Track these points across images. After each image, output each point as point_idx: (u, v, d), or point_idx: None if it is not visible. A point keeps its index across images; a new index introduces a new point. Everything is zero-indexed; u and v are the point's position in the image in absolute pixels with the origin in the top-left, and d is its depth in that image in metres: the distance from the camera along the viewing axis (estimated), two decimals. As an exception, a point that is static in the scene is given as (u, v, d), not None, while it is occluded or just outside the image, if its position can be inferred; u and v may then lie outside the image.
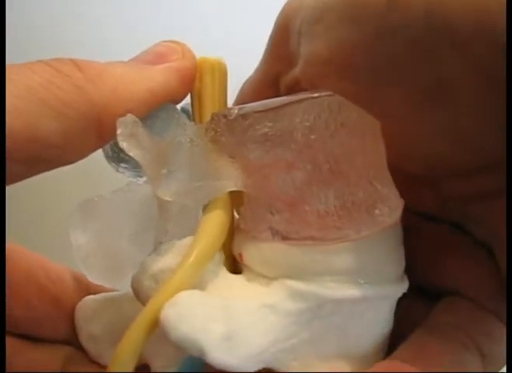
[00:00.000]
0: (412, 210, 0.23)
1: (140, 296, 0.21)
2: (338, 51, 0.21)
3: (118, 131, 0.19)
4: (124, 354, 0.18)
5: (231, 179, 0.20)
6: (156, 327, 0.19)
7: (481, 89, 0.18)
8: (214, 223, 0.21)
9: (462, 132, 0.19)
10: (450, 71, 0.18)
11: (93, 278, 0.24)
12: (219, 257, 0.21)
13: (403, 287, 0.21)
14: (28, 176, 0.19)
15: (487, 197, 0.21)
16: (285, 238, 0.20)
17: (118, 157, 0.21)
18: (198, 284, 0.20)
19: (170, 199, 0.20)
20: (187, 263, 0.19)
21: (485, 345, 0.20)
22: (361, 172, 0.20)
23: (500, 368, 0.21)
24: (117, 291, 0.25)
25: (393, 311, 0.22)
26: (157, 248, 0.22)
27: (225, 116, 0.21)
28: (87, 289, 0.26)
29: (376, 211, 0.20)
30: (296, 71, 0.23)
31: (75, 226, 0.24)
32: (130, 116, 0.19)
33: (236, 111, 0.21)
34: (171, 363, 0.21)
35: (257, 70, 0.26)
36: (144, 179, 0.21)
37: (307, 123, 0.20)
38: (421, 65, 0.19)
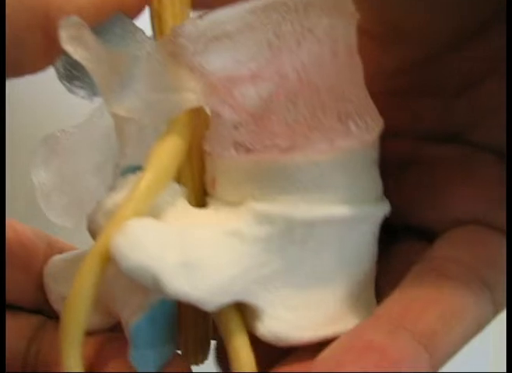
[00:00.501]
0: (407, 134, 0.21)
1: (97, 237, 0.19)
2: None
3: (61, 33, 0.16)
4: (79, 296, 0.17)
5: (192, 91, 0.19)
6: (108, 262, 0.17)
7: None
8: (167, 148, 0.18)
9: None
10: None
11: (55, 217, 0.22)
12: (178, 189, 0.19)
13: (383, 209, 0.19)
14: None
15: (480, 82, 0.19)
16: (248, 150, 0.18)
17: (71, 74, 0.19)
18: (154, 215, 0.18)
19: (124, 114, 0.18)
20: (137, 190, 0.18)
21: (492, 276, 0.18)
22: (333, 83, 0.19)
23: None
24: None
25: (376, 238, 0.20)
26: (114, 178, 0.20)
27: (183, 26, 0.19)
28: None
29: (351, 123, 0.19)
30: None
31: (36, 163, 0.22)
32: (75, 18, 0.17)
33: (196, 24, 0.19)
34: (138, 311, 0.19)
35: None
36: (99, 99, 0.20)
37: (270, 26, 0.18)
38: None
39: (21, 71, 0.18)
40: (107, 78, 0.17)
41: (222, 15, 0.19)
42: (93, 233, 0.19)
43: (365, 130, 0.19)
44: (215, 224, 0.18)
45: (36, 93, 0.34)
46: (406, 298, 0.18)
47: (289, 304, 0.18)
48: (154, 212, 0.18)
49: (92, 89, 0.19)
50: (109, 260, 0.17)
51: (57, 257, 0.23)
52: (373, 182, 0.19)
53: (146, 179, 0.18)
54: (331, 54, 0.19)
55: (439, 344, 0.17)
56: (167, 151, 0.19)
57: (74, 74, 0.19)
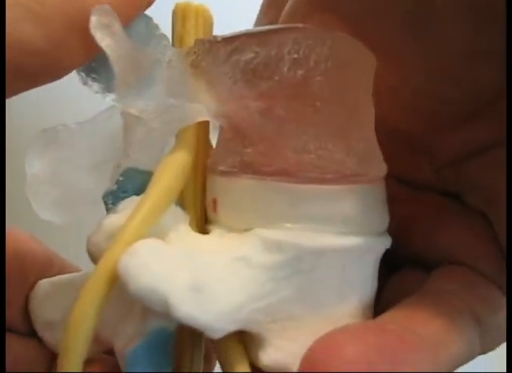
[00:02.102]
0: (403, 180, 0.21)
1: (98, 260, 0.17)
2: None
3: (92, 19, 0.16)
4: (79, 322, 0.15)
5: (206, 104, 0.18)
6: (112, 286, 0.16)
7: (469, 26, 0.17)
8: (173, 167, 0.18)
9: (450, 69, 0.18)
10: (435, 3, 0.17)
11: (41, 210, 0.21)
12: (181, 213, 0.18)
13: (386, 242, 0.19)
14: (13, 93, 0.17)
15: (480, 154, 0.19)
16: (256, 171, 0.17)
17: (89, 66, 0.18)
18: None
19: (136, 113, 0.18)
20: (142, 211, 0.17)
21: (482, 312, 0.18)
22: (346, 118, 0.18)
23: (500, 343, 0.19)
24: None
25: (377, 269, 0.19)
26: (114, 181, 0.20)
27: (209, 41, 0.19)
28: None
29: (359, 160, 0.18)
30: (283, 13, 0.21)
31: (31, 153, 0.22)
32: (107, 6, 0.16)
33: (221, 37, 0.19)
34: (134, 340, 0.18)
35: (256, 20, 0.24)
36: (112, 96, 0.19)
37: (296, 56, 0.18)
38: None
39: (59, 73, 0.17)
40: (128, 73, 0.17)
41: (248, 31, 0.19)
42: (94, 255, 0.18)
43: (372, 169, 0.19)
44: (223, 250, 0.17)
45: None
46: (401, 314, 0.17)
47: (294, 335, 0.17)
48: (157, 235, 0.17)
49: (107, 84, 0.19)
50: (114, 283, 0.16)
51: (44, 281, 0.22)
52: (379, 216, 0.19)
53: (151, 199, 0.17)
54: (350, 89, 0.19)
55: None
56: (173, 171, 0.18)
57: (92, 66, 0.18)
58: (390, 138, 0.20)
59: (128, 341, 0.18)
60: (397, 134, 0.20)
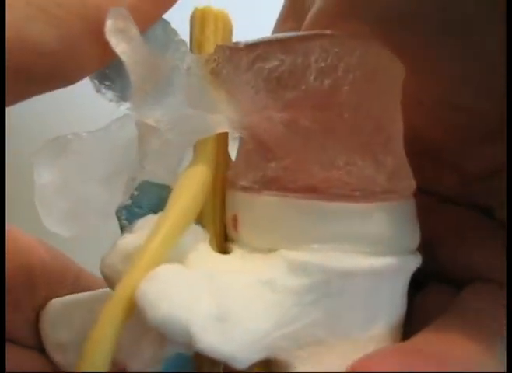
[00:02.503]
0: (431, 192, 0.20)
1: (114, 283, 0.16)
2: None
3: (107, 23, 0.15)
4: (97, 349, 0.14)
5: (227, 114, 0.16)
6: (131, 312, 0.14)
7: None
8: (192, 183, 0.17)
9: (486, 82, 0.17)
10: (472, 13, 0.16)
11: (50, 224, 0.20)
12: (201, 232, 0.17)
13: (417, 260, 0.18)
14: (23, 97, 0.16)
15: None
16: (280, 187, 0.16)
17: (103, 73, 0.17)
18: (175, 260, 0.16)
19: (152, 124, 0.17)
20: (161, 231, 0.15)
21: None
22: (374, 130, 0.17)
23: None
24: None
25: (406, 288, 0.18)
26: (128, 195, 0.18)
27: (230, 47, 0.18)
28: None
29: (388, 175, 0.17)
30: (307, 20, 0.20)
31: (41, 163, 0.20)
32: (124, 10, 0.15)
33: (243, 43, 0.18)
34: (151, 365, 0.17)
35: (273, 31, 0.23)
36: (127, 105, 0.18)
37: (323, 64, 0.17)
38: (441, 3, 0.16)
39: (72, 78, 0.16)
40: (144, 80, 0.16)
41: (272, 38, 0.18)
42: (109, 278, 0.17)
43: (402, 185, 0.18)
44: (246, 274, 0.16)
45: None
46: (436, 336, 0.17)
47: (322, 361, 0.16)
48: (176, 257, 0.16)
49: (121, 93, 0.18)
50: (132, 310, 0.14)
51: (55, 301, 0.21)
52: (410, 234, 0.18)
53: (171, 219, 0.16)
54: (378, 100, 0.17)
55: None
56: (193, 187, 0.17)
57: (106, 73, 0.17)
58: (415, 149, 0.19)
59: (144, 366, 0.16)
60: (423, 144, 0.19)
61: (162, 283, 0.14)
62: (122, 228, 0.18)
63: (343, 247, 0.16)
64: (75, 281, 0.22)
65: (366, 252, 0.16)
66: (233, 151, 0.19)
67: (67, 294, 0.21)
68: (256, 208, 0.17)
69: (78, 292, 0.21)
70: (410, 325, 0.18)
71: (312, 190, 0.16)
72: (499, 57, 0.16)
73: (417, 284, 0.20)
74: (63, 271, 0.22)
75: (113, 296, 0.14)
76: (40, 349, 0.21)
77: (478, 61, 0.16)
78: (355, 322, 0.17)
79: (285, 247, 0.16)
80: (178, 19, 0.18)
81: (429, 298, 0.20)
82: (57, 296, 0.21)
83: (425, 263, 0.18)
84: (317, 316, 0.16)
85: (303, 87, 0.16)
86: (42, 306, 0.21)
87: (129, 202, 0.18)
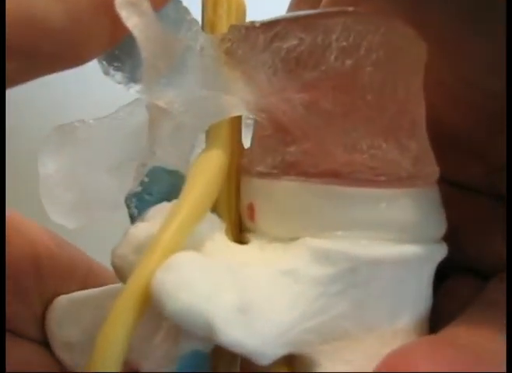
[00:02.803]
0: (455, 182, 0.19)
1: (125, 275, 0.15)
2: None
3: None
4: (108, 349, 0.13)
5: (242, 96, 0.16)
6: (145, 307, 0.13)
7: None
8: (207, 169, 0.16)
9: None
10: None
11: (54, 215, 0.19)
12: (217, 221, 0.16)
13: (444, 250, 0.17)
14: (28, 78, 0.15)
15: None
16: (300, 172, 0.15)
17: (112, 53, 0.16)
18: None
19: (164, 105, 0.16)
20: (176, 219, 0.14)
21: None
22: (399, 112, 0.16)
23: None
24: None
25: (432, 278, 0.17)
26: (138, 181, 0.17)
27: (246, 27, 0.17)
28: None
29: (412, 160, 0.16)
30: (322, 3, 0.19)
31: (45, 152, 0.20)
32: None
33: (259, 22, 0.17)
34: (165, 364, 0.16)
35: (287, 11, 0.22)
36: (136, 87, 0.17)
37: (345, 43, 0.16)
38: None
39: (80, 58, 0.15)
40: (157, 58, 0.15)
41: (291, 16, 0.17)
42: (120, 269, 0.16)
43: (427, 171, 0.17)
44: (268, 264, 0.15)
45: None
46: (467, 328, 0.16)
47: (348, 356, 0.15)
48: (192, 247, 0.15)
49: (131, 74, 0.17)
50: (148, 302, 0.13)
51: (62, 297, 0.20)
52: (436, 222, 0.17)
53: (187, 206, 0.15)
54: (402, 81, 0.17)
55: None
56: (209, 174, 0.16)
57: (116, 53, 0.16)
58: (438, 136, 0.18)
59: (157, 365, 0.15)
60: (446, 131, 0.18)
61: (180, 271, 0.13)
62: (132, 217, 0.17)
63: (368, 234, 0.15)
64: (86, 274, 0.21)
65: (391, 239, 0.15)
66: (246, 140, 0.18)
67: (78, 288, 0.20)
68: (275, 195, 0.16)
69: (90, 286, 0.20)
70: (436, 318, 0.17)
71: (334, 175, 0.15)
72: None
73: (442, 275, 0.19)
74: (72, 262, 0.21)
75: (124, 289, 0.13)
76: (47, 344, 0.20)
77: (504, 43, 0.16)
78: (382, 313, 0.16)
79: (308, 235, 0.15)
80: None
81: (454, 290, 0.19)
82: (68, 290, 0.20)
83: (449, 253, 0.18)
84: (343, 307, 0.15)
85: (324, 67, 0.16)
86: (51, 301, 0.20)
87: (139, 189, 0.17)
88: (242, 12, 0.18)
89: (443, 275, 0.19)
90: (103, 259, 0.20)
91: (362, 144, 0.15)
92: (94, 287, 0.20)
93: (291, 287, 0.14)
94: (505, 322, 0.16)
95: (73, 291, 0.20)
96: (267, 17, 0.17)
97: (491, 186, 0.19)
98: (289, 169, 0.15)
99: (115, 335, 0.13)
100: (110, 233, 0.19)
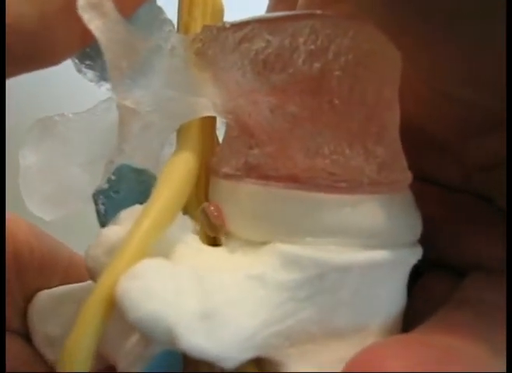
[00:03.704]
0: (431, 180, 0.19)
1: (97, 276, 0.15)
2: None
3: None
4: (76, 349, 0.13)
5: (211, 98, 0.16)
6: (112, 309, 0.14)
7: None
8: (178, 172, 0.16)
9: (489, 76, 0.15)
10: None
11: (33, 206, 0.19)
12: (188, 222, 0.16)
13: (417, 253, 0.17)
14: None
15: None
16: (261, 176, 0.15)
17: (84, 52, 0.16)
18: (164, 255, 0.15)
19: (131, 105, 0.16)
20: (145, 222, 0.14)
21: None
22: (367, 117, 0.16)
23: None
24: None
25: (406, 281, 0.17)
26: (106, 179, 0.17)
27: (217, 27, 0.17)
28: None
29: (378, 166, 0.16)
30: (299, 3, 0.19)
31: (27, 144, 0.20)
32: None
33: (230, 23, 0.17)
34: (140, 361, 0.16)
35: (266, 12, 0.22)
36: (107, 85, 0.17)
37: (312, 47, 0.16)
38: None
39: (53, 58, 0.15)
40: (121, 59, 0.15)
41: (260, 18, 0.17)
42: (92, 271, 0.16)
43: (394, 177, 0.16)
44: (236, 268, 0.15)
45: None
46: (441, 327, 0.16)
47: (316, 360, 0.15)
48: (162, 250, 0.15)
49: (102, 73, 0.17)
50: (114, 306, 0.13)
51: (43, 292, 0.20)
52: (409, 225, 0.17)
53: (154, 209, 0.15)
54: (372, 86, 0.16)
55: None
56: (179, 176, 0.15)
57: (87, 52, 0.16)
58: (415, 138, 0.18)
59: (132, 362, 0.16)
60: (422, 134, 0.18)
61: (144, 279, 0.13)
62: (99, 213, 0.17)
63: (338, 240, 0.15)
64: (67, 266, 0.21)
65: (361, 245, 0.15)
66: (221, 136, 0.18)
67: (59, 281, 0.20)
68: (239, 198, 0.16)
69: (71, 278, 0.20)
70: (410, 316, 0.17)
71: (294, 180, 0.15)
72: (502, 51, 0.15)
73: (417, 272, 0.19)
74: (53, 255, 0.21)
75: (93, 292, 0.14)
76: (29, 339, 0.20)
77: (480, 54, 0.15)
78: (350, 318, 0.16)
79: (277, 239, 0.15)
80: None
81: (429, 287, 0.19)
82: (49, 283, 0.20)
83: (425, 250, 0.18)
84: (311, 312, 0.15)
85: (291, 70, 0.15)
86: (33, 295, 0.20)
87: (106, 186, 0.17)
88: (218, 13, 0.18)
89: (418, 272, 0.19)
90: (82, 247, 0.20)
91: (325, 149, 0.15)
92: (76, 279, 0.20)
93: (257, 291, 0.14)
94: (479, 320, 0.16)
95: (55, 284, 0.20)
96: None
97: (469, 186, 0.19)
98: (251, 172, 0.15)
99: (82, 337, 0.13)
100: (90, 224, 0.20)
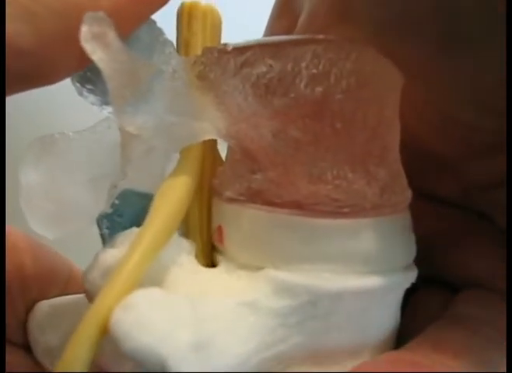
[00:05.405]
0: (430, 196, 0.19)
1: (94, 298, 0.15)
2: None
3: (82, 29, 0.14)
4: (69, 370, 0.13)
5: (213, 122, 0.16)
6: (105, 333, 0.13)
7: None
8: (175, 194, 0.15)
9: (485, 97, 0.15)
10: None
11: (35, 224, 0.19)
12: (185, 244, 0.16)
13: (412, 275, 0.16)
14: None
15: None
16: (266, 202, 0.15)
17: (85, 75, 0.16)
18: (159, 278, 0.15)
19: (134, 131, 0.15)
20: (140, 246, 0.14)
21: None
22: (369, 144, 0.16)
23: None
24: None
25: (400, 303, 0.17)
26: (110, 203, 0.17)
27: (218, 50, 0.17)
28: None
29: (380, 189, 0.16)
30: (299, 23, 0.18)
31: (27, 162, 0.20)
32: (101, 14, 0.14)
33: (232, 46, 0.17)
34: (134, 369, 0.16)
35: (266, 28, 0.22)
36: (109, 109, 0.17)
37: (315, 71, 0.16)
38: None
39: (50, 78, 0.15)
40: (124, 87, 0.14)
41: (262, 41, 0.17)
42: (90, 294, 0.16)
43: (395, 199, 0.16)
44: (230, 294, 0.15)
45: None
46: (431, 344, 0.16)
47: None
48: (157, 273, 0.15)
49: (104, 96, 0.16)
50: (106, 332, 0.13)
51: (43, 303, 0.20)
52: (404, 248, 0.16)
53: (148, 234, 0.14)
54: (373, 109, 0.16)
55: None
56: (175, 199, 0.15)
57: (88, 75, 0.16)
58: (414, 155, 0.18)
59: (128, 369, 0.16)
60: (422, 152, 0.18)
61: (137, 311, 0.13)
62: (103, 238, 0.17)
63: (333, 267, 0.15)
64: (67, 278, 0.21)
65: (356, 271, 0.15)
66: (223, 152, 0.18)
67: (59, 292, 0.20)
68: (241, 222, 0.16)
69: (71, 290, 0.20)
70: (403, 331, 0.17)
71: (298, 206, 0.15)
72: (502, 74, 0.15)
73: (411, 288, 0.19)
74: (54, 267, 0.21)
75: (86, 317, 0.13)
76: (30, 349, 0.20)
77: (482, 78, 0.15)
78: (343, 342, 0.15)
79: (271, 266, 0.15)
80: (165, 15, 0.17)
81: (423, 303, 0.19)
82: (49, 294, 0.20)
83: (421, 267, 0.17)
84: (303, 338, 0.15)
85: (293, 94, 0.15)
86: (33, 306, 0.20)
87: (110, 211, 0.17)
88: (217, 28, 0.18)
89: (412, 287, 0.19)
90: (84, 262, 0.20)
91: (327, 174, 0.15)
92: (75, 291, 0.20)
93: (249, 318, 0.14)
94: (471, 338, 0.16)
95: (55, 295, 0.20)
96: (243, 33, 0.17)
97: (468, 204, 0.19)
98: (254, 197, 0.15)
99: (75, 359, 0.13)
100: (91, 238, 0.19)
